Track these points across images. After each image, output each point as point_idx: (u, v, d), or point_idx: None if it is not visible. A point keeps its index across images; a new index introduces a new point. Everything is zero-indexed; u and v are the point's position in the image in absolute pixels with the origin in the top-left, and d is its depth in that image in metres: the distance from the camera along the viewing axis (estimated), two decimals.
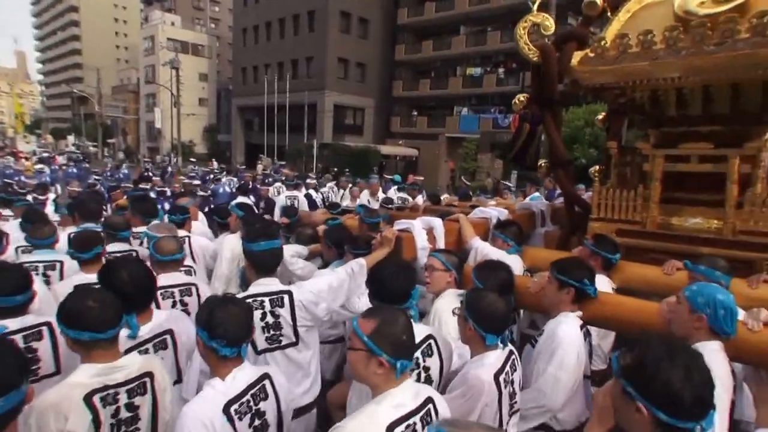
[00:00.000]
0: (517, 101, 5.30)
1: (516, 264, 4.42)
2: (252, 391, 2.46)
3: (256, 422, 2.44)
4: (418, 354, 2.81)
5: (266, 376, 2.59)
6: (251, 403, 2.43)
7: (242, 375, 2.46)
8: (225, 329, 2.36)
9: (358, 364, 2.19)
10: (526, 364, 3.37)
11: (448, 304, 3.57)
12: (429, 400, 2.25)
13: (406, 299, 3.02)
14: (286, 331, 3.28)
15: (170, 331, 3.09)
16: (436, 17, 43.65)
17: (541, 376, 3.08)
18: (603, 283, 3.90)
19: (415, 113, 47.37)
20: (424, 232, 4.39)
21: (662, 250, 4.56)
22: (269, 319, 3.22)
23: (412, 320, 2.80)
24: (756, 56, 3.73)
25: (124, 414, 2.35)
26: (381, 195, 11.73)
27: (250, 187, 13.37)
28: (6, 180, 13.11)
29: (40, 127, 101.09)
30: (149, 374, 2.48)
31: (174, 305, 3.78)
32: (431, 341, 2.96)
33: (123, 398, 2.34)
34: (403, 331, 2.21)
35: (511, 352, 2.88)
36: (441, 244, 4.53)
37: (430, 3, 43.63)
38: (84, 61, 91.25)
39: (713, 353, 2.56)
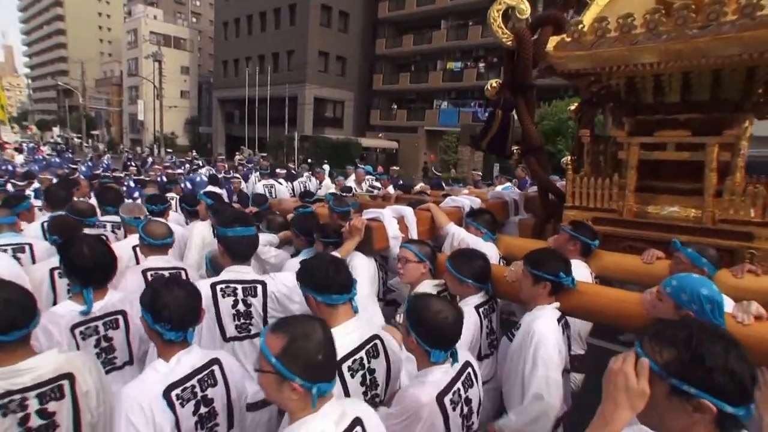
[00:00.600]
0: (489, 87, 5.05)
1: (492, 251, 4.24)
2: (199, 377, 2.25)
3: (202, 410, 2.23)
4: (362, 355, 2.50)
5: (216, 361, 2.37)
6: (197, 389, 2.22)
7: (188, 359, 2.25)
8: (170, 312, 2.17)
9: (268, 389, 1.83)
10: (503, 358, 3.23)
11: None
12: (357, 421, 1.90)
13: (348, 290, 2.64)
14: (256, 320, 3.16)
15: (122, 312, 2.95)
16: (417, 11, 43.21)
17: (533, 382, 2.81)
18: (581, 270, 3.76)
19: (395, 107, 46.96)
20: (395, 221, 4.23)
21: (639, 238, 4.39)
22: (240, 307, 3.10)
23: (355, 316, 2.62)
24: (742, 39, 3.49)
25: (36, 421, 2.06)
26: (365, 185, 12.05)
27: (223, 177, 13.40)
28: None
29: (27, 119, 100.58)
30: (68, 376, 2.18)
31: None
32: (377, 341, 2.62)
33: (33, 404, 2.05)
34: (318, 348, 1.80)
35: (466, 365, 2.49)
36: (413, 233, 4.36)
37: None
38: (69, 55, 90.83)
39: None
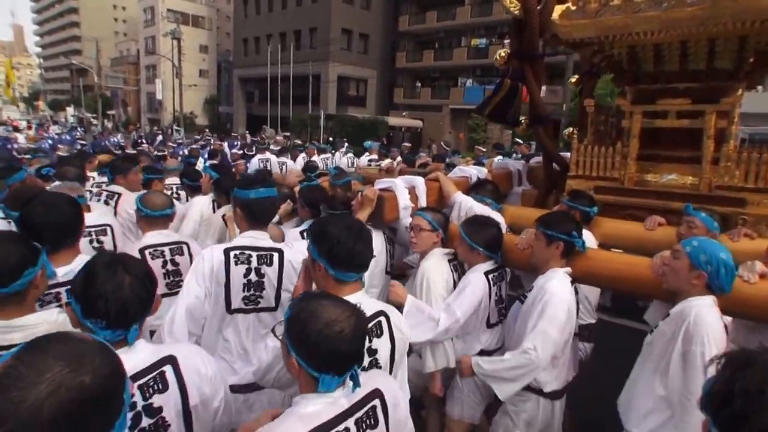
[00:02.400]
0: (498, 57, 5.29)
1: (500, 221, 4.28)
2: (140, 382, 1.80)
3: (144, 423, 1.78)
4: None
5: (169, 359, 1.91)
6: (135, 399, 1.77)
7: (127, 359, 1.64)
8: (107, 304, 1.72)
9: None
10: (512, 321, 3.41)
11: (435, 264, 3.53)
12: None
13: (366, 268, 2.38)
14: (268, 293, 2.97)
15: None
16: None
17: (530, 333, 3.00)
18: (588, 237, 3.88)
19: (419, 84, 46.85)
20: (406, 191, 4.30)
21: (638, 206, 4.60)
22: (252, 276, 2.90)
23: (361, 290, 2.39)
24: (737, 7, 3.70)
25: None
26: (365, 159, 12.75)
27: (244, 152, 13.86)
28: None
29: (38, 99, 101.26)
30: None
31: (165, 265, 3.55)
32: (381, 318, 2.34)
33: None
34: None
35: (371, 396, 1.84)
36: (423, 202, 4.46)
37: None
38: (82, 34, 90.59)
39: (707, 308, 2.58)
